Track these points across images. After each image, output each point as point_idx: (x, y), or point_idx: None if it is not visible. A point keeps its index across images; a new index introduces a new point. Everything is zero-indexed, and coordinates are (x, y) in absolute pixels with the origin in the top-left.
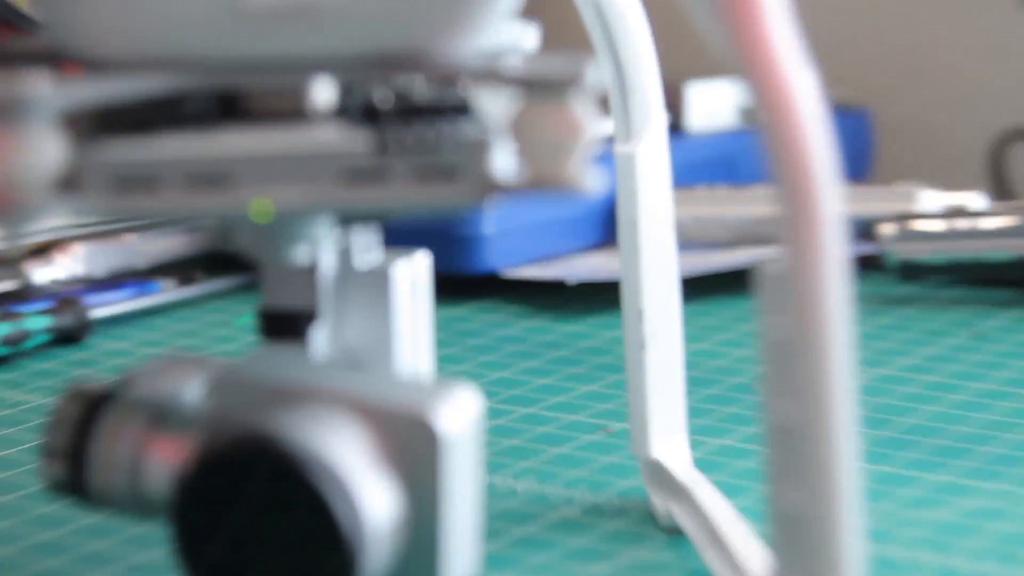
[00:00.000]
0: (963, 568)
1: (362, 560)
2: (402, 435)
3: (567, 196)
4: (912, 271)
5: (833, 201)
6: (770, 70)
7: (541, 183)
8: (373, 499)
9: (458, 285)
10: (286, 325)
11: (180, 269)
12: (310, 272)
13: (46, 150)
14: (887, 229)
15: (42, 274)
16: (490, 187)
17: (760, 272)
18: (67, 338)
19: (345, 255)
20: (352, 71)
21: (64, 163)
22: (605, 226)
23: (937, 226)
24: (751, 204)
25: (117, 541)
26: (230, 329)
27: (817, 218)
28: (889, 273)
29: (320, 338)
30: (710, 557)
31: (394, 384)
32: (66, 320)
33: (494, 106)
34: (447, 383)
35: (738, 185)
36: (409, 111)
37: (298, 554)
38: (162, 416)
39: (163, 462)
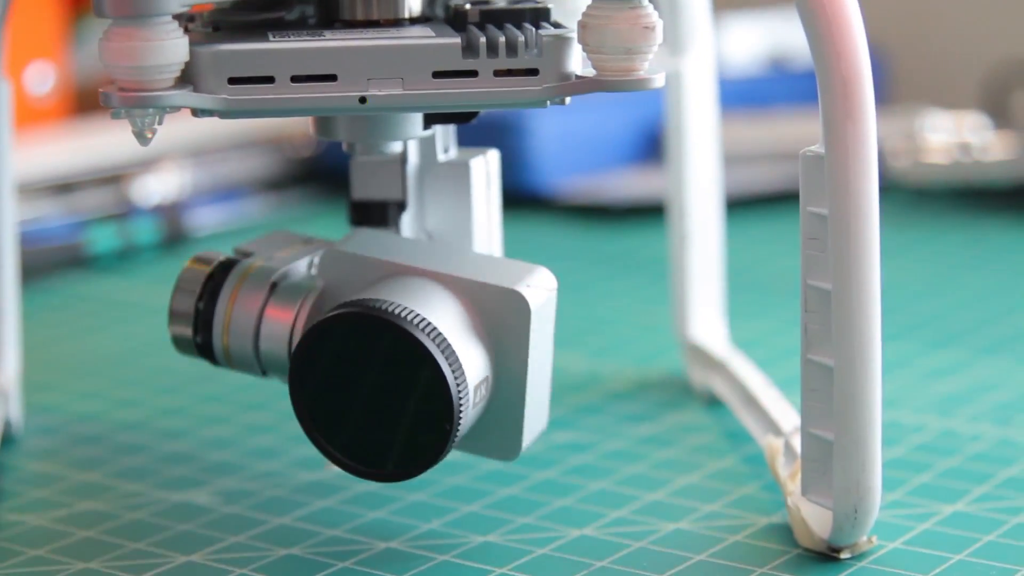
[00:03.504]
0: (962, 430)
1: (461, 411)
2: (497, 305)
3: (636, 91)
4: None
5: (870, 102)
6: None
7: (614, 80)
8: (470, 360)
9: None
10: (374, 213)
11: (274, 186)
12: (398, 165)
13: (170, 45)
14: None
15: (148, 187)
16: (568, 84)
17: (804, 157)
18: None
19: (427, 150)
20: None
21: (185, 58)
22: (640, 144)
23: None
24: (786, 125)
25: (232, 405)
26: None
27: (858, 113)
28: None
29: (407, 224)
30: (744, 417)
31: (485, 262)
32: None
33: (567, 11)
34: (529, 264)
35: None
36: (492, 16)
37: (404, 405)
38: (278, 285)
39: (279, 325)
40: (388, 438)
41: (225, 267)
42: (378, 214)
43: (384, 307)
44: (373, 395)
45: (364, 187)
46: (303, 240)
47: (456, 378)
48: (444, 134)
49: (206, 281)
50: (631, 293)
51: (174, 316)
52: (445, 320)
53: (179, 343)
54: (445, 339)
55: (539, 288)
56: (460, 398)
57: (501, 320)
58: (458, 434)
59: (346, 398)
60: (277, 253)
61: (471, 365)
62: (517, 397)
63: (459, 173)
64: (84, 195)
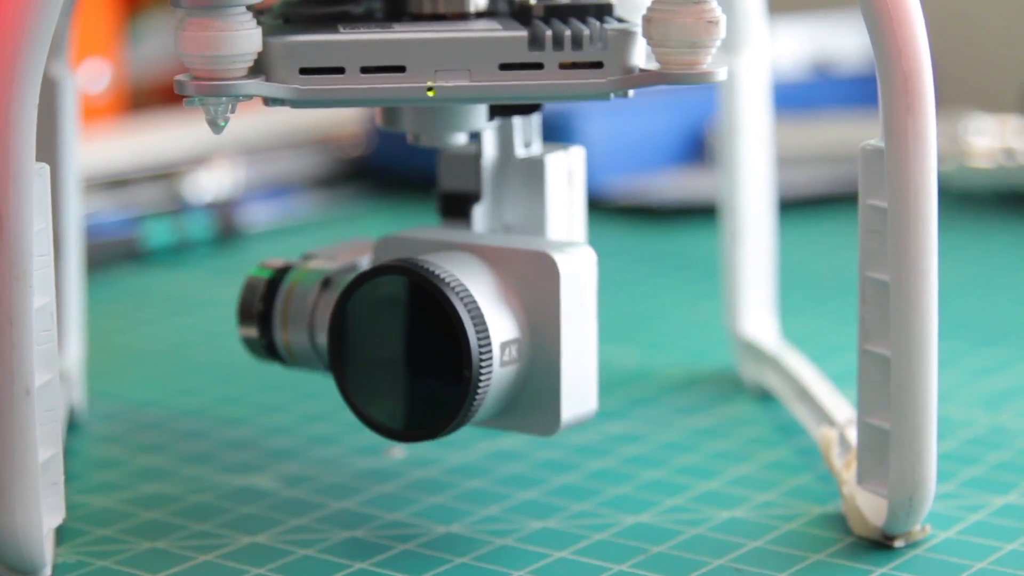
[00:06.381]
0: (1011, 425)
1: (483, 360)
2: (528, 270)
3: (700, 85)
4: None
5: (930, 97)
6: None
7: (678, 74)
8: (496, 317)
9: None
10: (458, 205)
11: (324, 184)
12: (475, 158)
13: (244, 35)
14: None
15: (201, 184)
16: (632, 78)
17: (864, 151)
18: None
19: (505, 144)
20: None
21: (259, 48)
22: (686, 145)
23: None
24: (831, 129)
25: (288, 394)
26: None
27: (918, 107)
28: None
29: (480, 216)
30: (797, 410)
31: (528, 238)
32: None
33: (629, 6)
34: (570, 241)
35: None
36: (557, 11)
37: (428, 357)
38: (332, 280)
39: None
40: (416, 395)
41: (284, 271)
42: (461, 206)
43: (406, 263)
44: (400, 351)
45: (449, 179)
46: (372, 244)
47: (476, 325)
48: (525, 128)
49: (268, 283)
50: (680, 290)
51: (242, 318)
52: (473, 280)
53: (250, 345)
54: (466, 289)
55: (573, 256)
56: (481, 347)
57: (533, 285)
58: (480, 389)
59: (377, 358)
60: (340, 255)
61: (497, 322)
62: (553, 366)
63: (534, 169)
64: (139, 191)
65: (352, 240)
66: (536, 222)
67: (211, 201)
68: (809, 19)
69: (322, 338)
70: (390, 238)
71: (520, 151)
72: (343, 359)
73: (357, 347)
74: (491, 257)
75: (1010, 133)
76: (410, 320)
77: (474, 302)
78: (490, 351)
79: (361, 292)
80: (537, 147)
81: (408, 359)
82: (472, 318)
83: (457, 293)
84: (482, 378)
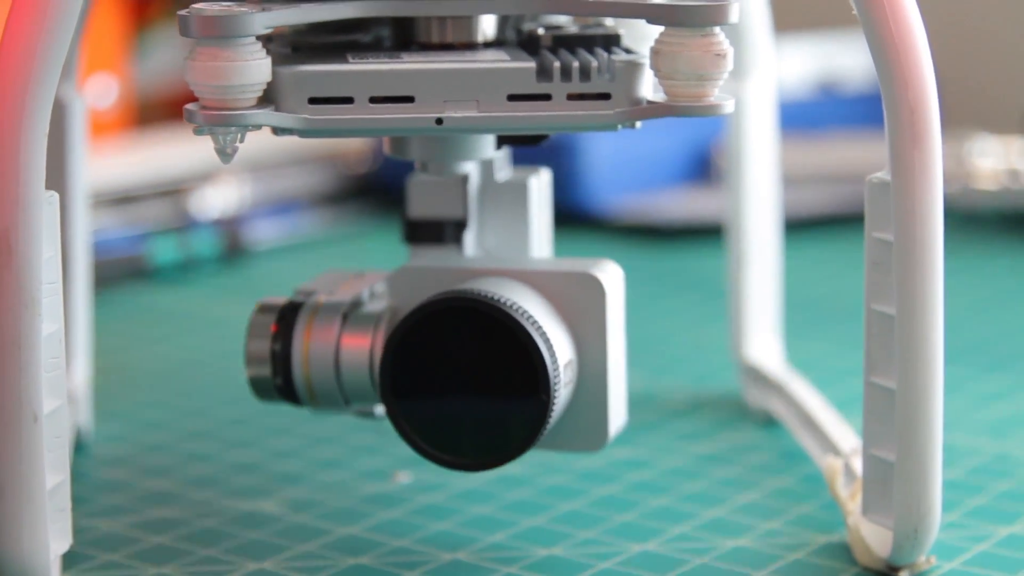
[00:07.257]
0: (1016, 453)
1: (556, 383)
2: (572, 290)
3: (706, 118)
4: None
5: (936, 130)
6: (899, 25)
7: (686, 106)
8: (557, 339)
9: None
10: (430, 232)
11: (330, 201)
12: (460, 184)
13: (254, 65)
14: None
15: (208, 201)
16: (640, 109)
17: (870, 184)
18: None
19: (486, 169)
20: (515, 5)
21: (268, 78)
22: (692, 164)
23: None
24: (836, 149)
25: (295, 417)
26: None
27: (924, 141)
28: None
29: (469, 243)
30: (803, 438)
31: (553, 260)
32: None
33: (637, 37)
34: (593, 258)
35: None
36: (565, 41)
37: (499, 393)
38: (348, 315)
39: (357, 352)
40: (483, 424)
41: (293, 308)
42: (434, 232)
43: (470, 295)
44: (465, 381)
45: (422, 205)
46: (355, 274)
47: (548, 350)
48: (500, 154)
49: (277, 323)
50: (685, 312)
51: (251, 360)
52: (530, 305)
53: (258, 386)
54: (532, 316)
55: (608, 273)
56: (555, 370)
57: (578, 305)
58: (554, 410)
59: (439, 390)
60: (338, 288)
61: (558, 343)
62: (600, 382)
63: (517, 192)
64: (145, 207)
65: (331, 271)
66: (518, 246)
67: (218, 218)
68: (815, 38)
69: (348, 373)
70: (408, 269)
71: (498, 175)
72: (400, 394)
73: (416, 382)
74: (532, 281)
75: (1015, 155)
76: (475, 350)
77: (541, 327)
78: (560, 373)
79: (420, 327)
80: (508, 171)
81: (475, 388)
82: (543, 340)
83: (528, 320)
84: (556, 399)
